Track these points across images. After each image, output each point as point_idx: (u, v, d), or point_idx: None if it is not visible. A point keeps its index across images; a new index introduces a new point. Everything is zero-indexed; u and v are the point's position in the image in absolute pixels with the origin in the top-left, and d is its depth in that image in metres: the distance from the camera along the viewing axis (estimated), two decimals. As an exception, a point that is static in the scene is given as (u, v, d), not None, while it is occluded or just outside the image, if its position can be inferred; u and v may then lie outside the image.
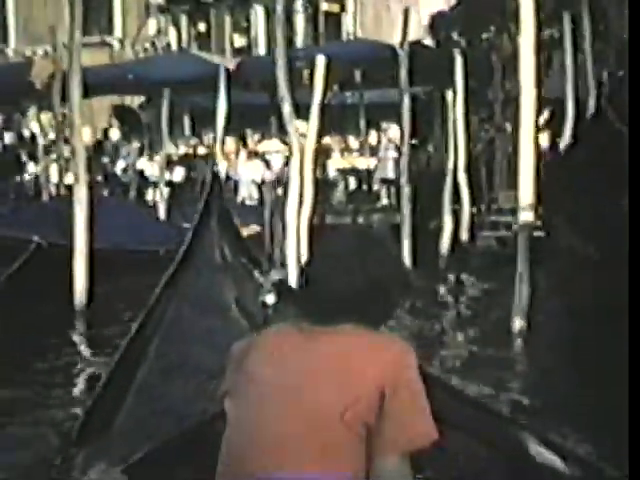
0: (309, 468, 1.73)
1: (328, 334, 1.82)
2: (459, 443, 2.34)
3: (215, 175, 3.48)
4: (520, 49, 7.41)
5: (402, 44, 13.38)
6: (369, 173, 16.37)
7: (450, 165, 13.68)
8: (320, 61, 11.80)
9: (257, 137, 18.14)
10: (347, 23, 21.99)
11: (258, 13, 22.74)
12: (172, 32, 23.51)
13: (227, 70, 17.28)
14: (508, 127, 14.72)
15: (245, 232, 11.85)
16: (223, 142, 18.28)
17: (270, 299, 2.78)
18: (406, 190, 13.02)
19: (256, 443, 1.76)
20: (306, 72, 15.64)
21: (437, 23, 17.84)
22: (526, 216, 7.16)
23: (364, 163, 16.31)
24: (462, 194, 13.24)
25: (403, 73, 13.12)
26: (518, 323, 7.25)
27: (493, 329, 7.65)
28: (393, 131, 16.80)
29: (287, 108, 10.53)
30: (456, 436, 2.31)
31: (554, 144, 13.88)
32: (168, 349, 2.98)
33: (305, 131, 16.91)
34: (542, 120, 10.25)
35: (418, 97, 16.63)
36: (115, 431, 2.87)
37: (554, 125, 13.61)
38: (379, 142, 16.87)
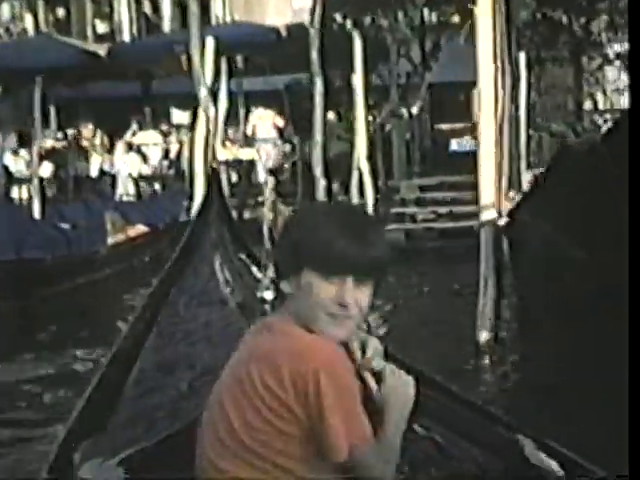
0: (256, 463, 1.98)
1: (272, 332, 2.01)
2: (457, 447, 2.55)
3: (214, 170, 3.69)
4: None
5: (312, 21, 12.97)
6: (251, 164, 16.55)
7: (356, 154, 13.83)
8: (210, 43, 11.90)
9: (133, 129, 17.98)
10: (216, 7, 22.13)
11: None
12: (28, 18, 22.96)
13: (97, 57, 17.15)
14: (405, 112, 15.21)
15: (131, 233, 11.91)
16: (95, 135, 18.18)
17: (268, 295, 2.93)
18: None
19: (201, 439, 2.05)
20: (184, 58, 15.72)
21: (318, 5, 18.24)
22: (488, 215, 6.84)
23: (248, 154, 16.41)
24: (365, 184, 13.30)
25: (314, 54, 12.71)
26: (484, 336, 6.91)
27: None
28: (271, 118, 17.14)
29: (204, 92, 10.57)
30: (454, 440, 2.56)
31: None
32: (164, 343, 3.23)
33: (183, 122, 16.97)
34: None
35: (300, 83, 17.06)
36: (111, 425, 3.10)
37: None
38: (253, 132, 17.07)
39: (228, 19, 21.85)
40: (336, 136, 15.25)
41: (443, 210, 13.95)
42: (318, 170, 12.79)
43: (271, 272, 2.86)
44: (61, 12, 22.70)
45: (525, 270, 7.56)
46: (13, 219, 13.63)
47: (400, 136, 14.94)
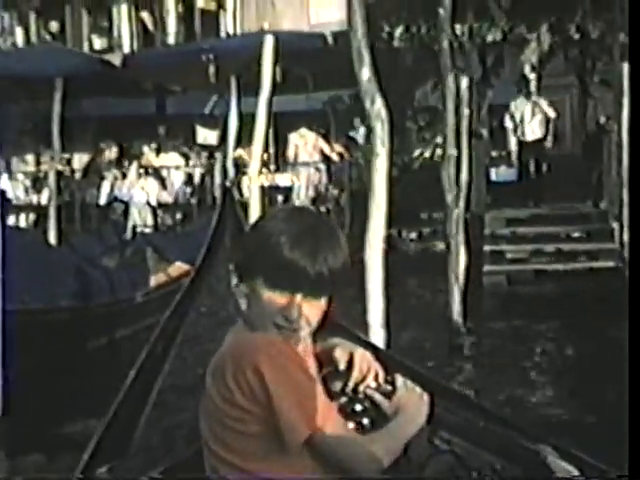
0: (222, 470, 2.39)
1: (226, 340, 2.45)
2: (477, 458, 2.94)
3: (227, 189, 4.22)
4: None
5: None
6: (290, 190, 17.09)
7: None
8: (269, 43, 12.16)
9: (150, 149, 18.64)
10: (226, 21, 22.96)
11: (122, 11, 23.36)
12: (19, 32, 23.52)
13: (112, 67, 17.83)
14: (485, 132, 15.72)
15: (172, 272, 11.83)
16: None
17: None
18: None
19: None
20: (212, 68, 16.41)
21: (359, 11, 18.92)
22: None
23: (286, 179, 17.04)
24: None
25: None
26: None
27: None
28: (313, 140, 17.69)
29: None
30: (474, 451, 3.05)
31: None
32: (183, 363, 3.76)
33: (211, 142, 17.52)
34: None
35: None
36: (131, 449, 3.64)
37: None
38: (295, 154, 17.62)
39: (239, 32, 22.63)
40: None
41: (551, 248, 14.40)
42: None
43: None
44: (55, 26, 23.19)
45: None
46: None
47: (478, 159, 15.25)
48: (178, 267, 11.01)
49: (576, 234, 14.96)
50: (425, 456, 2.78)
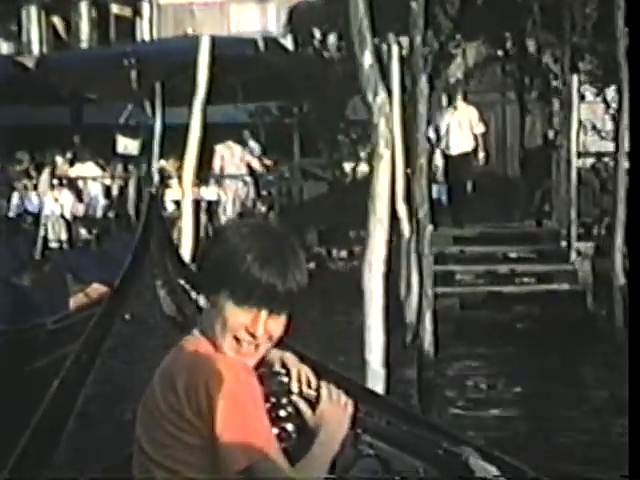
0: (156, 473, 2.55)
1: (178, 350, 2.59)
2: (400, 462, 3.23)
3: (152, 195, 4.46)
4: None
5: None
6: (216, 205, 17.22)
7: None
8: (205, 45, 12.11)
9: (65, 159, 18.64)
10: (142, 28, 23.14)
11: (31, 14, 23.30)
12: None
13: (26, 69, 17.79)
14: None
15: (91, 293, 11.33)
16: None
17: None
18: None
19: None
20: (134, 73, 16.51)
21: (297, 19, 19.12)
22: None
23: (212, 193, 17.16)
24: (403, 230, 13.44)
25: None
26: None
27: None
28: (239, 153, 17.90)
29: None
30: (397, 455, 3.32)
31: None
32: (109, 373, 3.99)
33: (134, 151, 17.52)
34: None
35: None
36: (55, 461, 3.86)
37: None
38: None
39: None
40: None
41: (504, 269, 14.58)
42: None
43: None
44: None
45: None
46: None
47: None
48: (96, 288, 10.37)
49: (526, 254, 15.16)
50: (349, 460, 3.01)
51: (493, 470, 3.13)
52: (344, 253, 16.24)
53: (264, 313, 2.53)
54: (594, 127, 17.16)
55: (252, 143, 18.28)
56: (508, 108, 19.50)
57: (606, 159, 15.98)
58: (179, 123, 13.58)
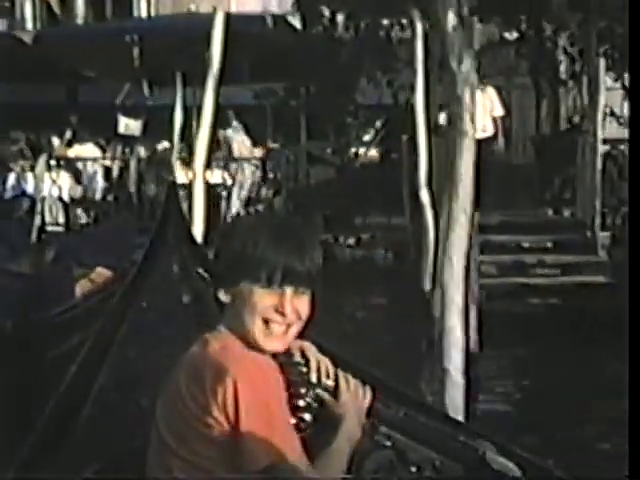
0: (173, 462, 2.71)
1: (205, 345, 2.73)
2: (417, 453, 3.33)
3: (171, 184, 4.61)
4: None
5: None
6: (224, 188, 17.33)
7: None
8: (219, 21, 12.05)
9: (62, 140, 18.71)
10: (140, 5, 23.19)
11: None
12: None
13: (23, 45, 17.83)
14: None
15: (96, 278, 11.39)
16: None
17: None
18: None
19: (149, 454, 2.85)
20: (136, 50, 16.62)
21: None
22: None
23: (217, 177, 17.20)
24: (427, 217, 13.57)
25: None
26: None
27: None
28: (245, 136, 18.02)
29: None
30: (414, 446, 3.40)
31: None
32: (124, 362, 4.19)
33: (136, 131, 17.59)
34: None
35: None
36: (70, 444, 4.06)
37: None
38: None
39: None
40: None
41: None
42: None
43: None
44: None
45: None
46: None
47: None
48: (100, 273, 10.69)
49: (548, 244, 15.10)
50: (366, 451, 3.20)
51: (511, 466, 3.29)
52: (352, 240, 16.35)
53: (289, 291, 2.71)
54: (612, 113, 17.20)
55: (235, 123, 18.33)
56: (522, 93, 19.47)
57: (622, 147, 16.04)
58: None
